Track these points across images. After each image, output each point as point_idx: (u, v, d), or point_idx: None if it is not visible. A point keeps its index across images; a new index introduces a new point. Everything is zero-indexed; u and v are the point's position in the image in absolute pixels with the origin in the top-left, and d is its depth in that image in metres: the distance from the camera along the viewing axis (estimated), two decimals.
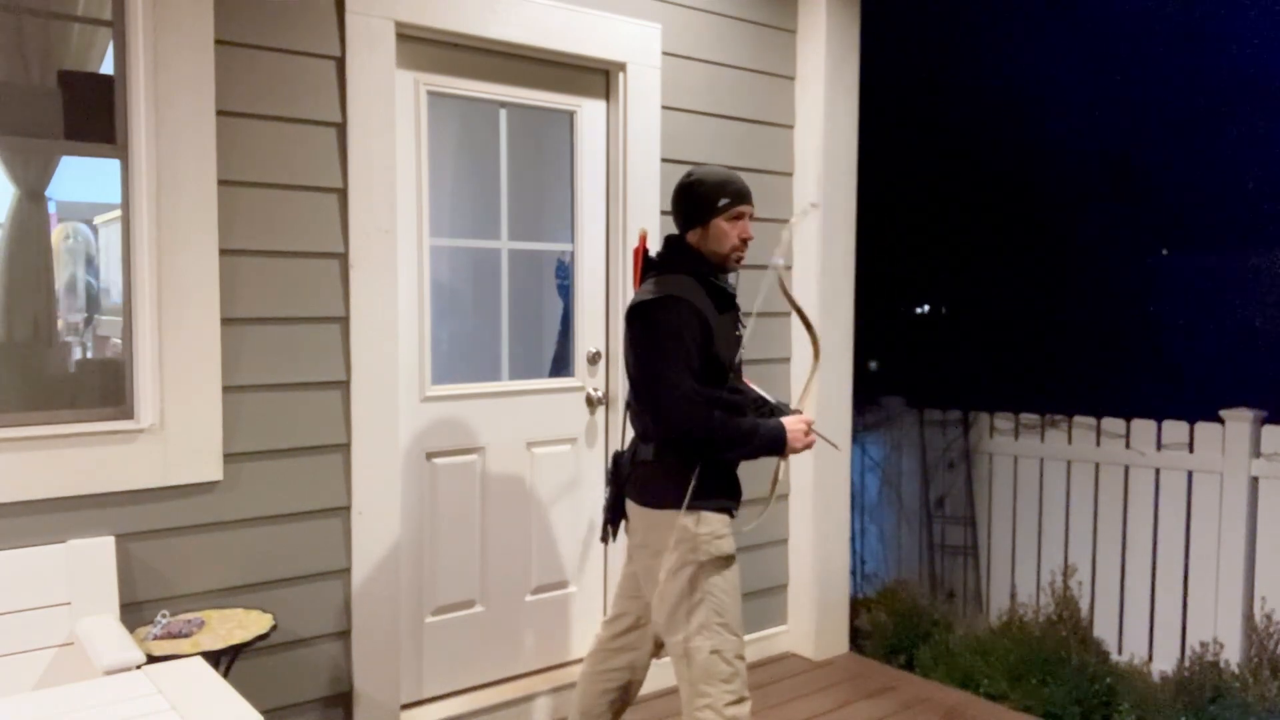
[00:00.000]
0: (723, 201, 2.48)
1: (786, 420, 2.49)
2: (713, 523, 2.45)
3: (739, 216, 2.50)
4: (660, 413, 2.38)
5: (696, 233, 2.51)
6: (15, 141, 2.60)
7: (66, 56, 2.69)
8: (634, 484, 2.51)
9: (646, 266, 2.56)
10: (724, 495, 2.49)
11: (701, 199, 2.49)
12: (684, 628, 2.43)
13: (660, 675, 3.59)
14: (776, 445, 2.47)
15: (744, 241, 2.52)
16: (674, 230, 2.61)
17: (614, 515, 2.62)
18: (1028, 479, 4.62)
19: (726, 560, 2.46)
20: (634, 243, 3.53)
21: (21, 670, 2.39)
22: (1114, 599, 4.28)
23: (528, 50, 3.32)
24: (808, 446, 2.53)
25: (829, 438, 2.69)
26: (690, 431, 2.37)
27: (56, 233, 2.83)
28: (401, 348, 3.12)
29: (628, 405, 2.60)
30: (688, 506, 2.41)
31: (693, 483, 2.39)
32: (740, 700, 2.43)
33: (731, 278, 2.61)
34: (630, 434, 2.62)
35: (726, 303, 2.52)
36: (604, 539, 2.65)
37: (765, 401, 2.77)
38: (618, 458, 2.60)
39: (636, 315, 2.44)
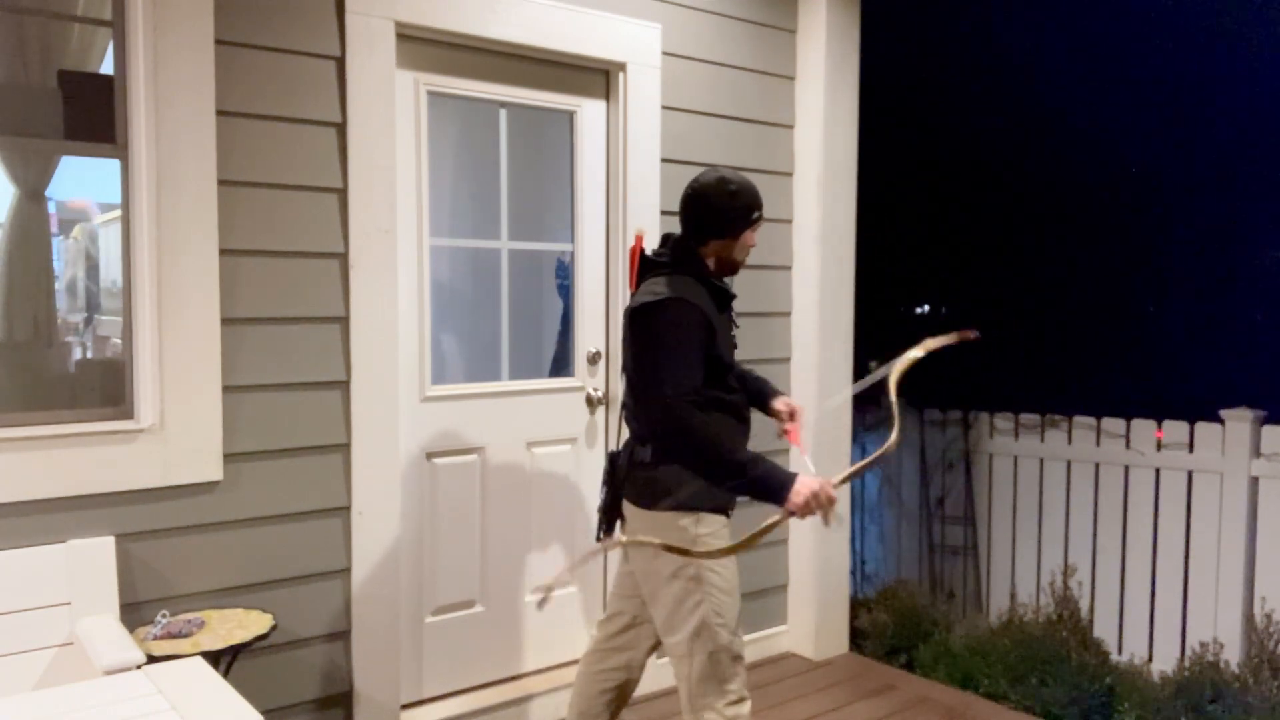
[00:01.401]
0: (756, 215, 2.50)
1: (805, 477, 2.24)
2: (711, 523, 2.45)
3: (759, 225, 2.54)
4: (650, 411, 2.34)
5: (722, 243, 2.48)
6: (15, 141, 2.60)
7: (66, 56, 2.70)
8: (631, 485, 2.50)
9: (645, 267, 2.55)
10: (721, 495, 2.48)
11: (740, 211, 2.47)
12: (684, 628, 2.43)
13: (659, 675, 3.59)
14: (773, 492, 2.23)
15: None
16: (671, 229, 2.60)
17: (609, 516, 2.62)
18: (1028, 479, 4.62)
19: (725, 560, 2.45)
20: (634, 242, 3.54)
21: (21, 670, 2.39)
22: (1114, 599, 4.28)
23: (528, 50, 3.32)
24: (813, 513, 2.23)
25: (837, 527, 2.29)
26: (675, 434, 2.28)
27: (76, 231, 2.84)
28: (401, 348, 3.12)
29: (624, 406, 2.60)
30: (686, 507, 2.41)
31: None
32: (740, 700, 2.43)
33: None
34: (625, 434, 2.61)
35: (725, 302, 2.51)
36: (599, 540, 2.65)
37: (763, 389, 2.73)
38: (614, 458, 2.59)
39: (639, 316, 2.41)
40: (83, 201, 2.84)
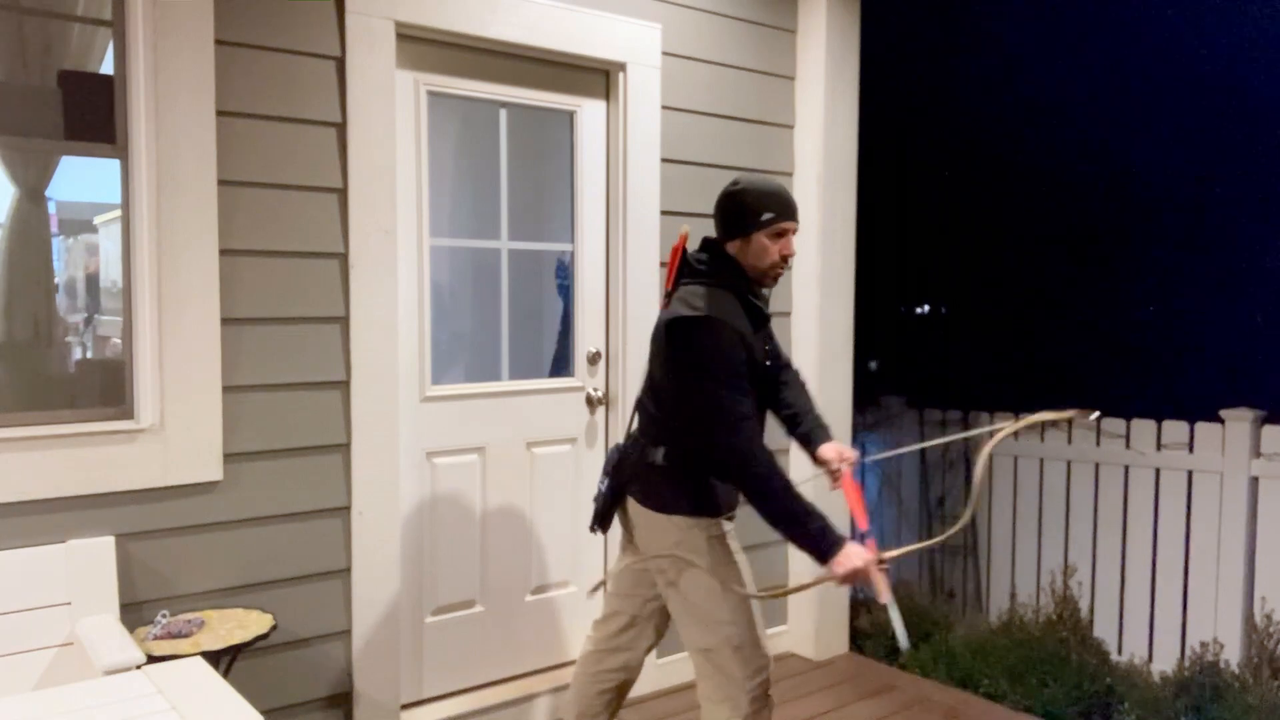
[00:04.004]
0: (766, 216, 2.39)
1: (854, 545, 2.23)
2: (719, 526, 2.45)
3: (782, 233, 2.42)
4: (714, 449, 2.32)
5: (736, 244, 2.43)
6: (15, 141, 2.60)
7: (66, 56, 2.70)
8: (639, 484, 2.49)
9: (683, 270, 2.48)
10: (727, 497, 2.48)
11: (744, 210, 2.41)
12: (704, 626, 2.42)
13: (659, 675, 3.59)
14: (820, 552, 2.23)
15: (784, 259, 2.44)
16: (671, 228, 2.59)
17: (608, 508, 2.58)
18: (1028, 479, 4.62)
19: (736, 559, 2.45)
20: (634, 243, 3.55)
21: (21, 670, 2.39)
22: (1114, 599, 4.28)
23: (528, 50, 3.32)
24: (855, 582, 2.26)
25: (899, 622, 2.31)
26: (739, 472, 2.30)
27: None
28: (401, 348, 3.12)
29: (638, 404, 2.57)
30: (695, 512, 2.41)
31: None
32: (763, 696, 2.42)
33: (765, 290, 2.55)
34: (632, 428, 2.60)
35: (761, 321, 2.47)
36: (593, 529, 2.62)
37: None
38: (622, 452, 2.56)
39: (679, 331, 2.36)
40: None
